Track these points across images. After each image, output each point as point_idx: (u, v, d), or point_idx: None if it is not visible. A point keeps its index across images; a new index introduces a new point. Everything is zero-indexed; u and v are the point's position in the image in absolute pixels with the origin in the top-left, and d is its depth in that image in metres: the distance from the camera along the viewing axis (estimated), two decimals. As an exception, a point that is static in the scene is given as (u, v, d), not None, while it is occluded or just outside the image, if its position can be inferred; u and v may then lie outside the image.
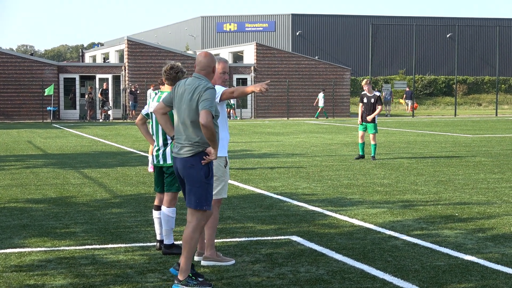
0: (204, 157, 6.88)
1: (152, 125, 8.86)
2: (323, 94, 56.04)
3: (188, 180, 7.01)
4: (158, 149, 8.79)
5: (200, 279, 7.15)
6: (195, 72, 7.10)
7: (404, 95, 66.67)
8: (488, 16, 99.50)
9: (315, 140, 29.55)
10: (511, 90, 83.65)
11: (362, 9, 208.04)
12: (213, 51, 71.72)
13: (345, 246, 9.23)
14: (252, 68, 53.68)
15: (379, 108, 22.11)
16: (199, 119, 6.58)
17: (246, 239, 9.52)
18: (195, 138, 6.84)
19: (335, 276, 7.66)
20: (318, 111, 55.10)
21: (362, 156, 21.43)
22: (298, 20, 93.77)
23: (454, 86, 74.58)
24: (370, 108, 21.78)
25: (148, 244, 9.37)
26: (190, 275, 7.02)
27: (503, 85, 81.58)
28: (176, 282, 6.94)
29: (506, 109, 69.23)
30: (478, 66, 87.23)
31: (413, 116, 59.71)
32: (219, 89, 7.99)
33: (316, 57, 61.86)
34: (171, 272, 7.31)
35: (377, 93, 22.30)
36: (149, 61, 47.81)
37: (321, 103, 55.13)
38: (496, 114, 60.94)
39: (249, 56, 58.01)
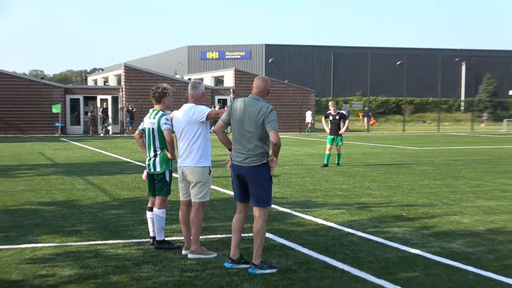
0: (269, 166, 7.44)
1: (146, 138, 8.96)
2: (311, 112, 57.18)
3: (255, 184, 7.39)
4: (150, 159, 8.90)
5: (271, 263, 7.70)
6: (253, 93, 7.45)
7: (363, 113, 67.60)
8: (432, 47, 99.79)
9: (285, 152, 29.57)
10: (450, 110, 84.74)
11: (326, 39, 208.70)
12: (197, 76, 72.19)
13: (310, 242, 9.39)
14: (231, 90, 54.24)
15: (347, 122, 23.05)
16: (271, 139, 7.14)
17: (226, 235, 9.56)
18: (260, 150, 7.29)
19: (301, 267, 7.86)
20: (309, 126, 56.07)
21: (326, 165, 21.58)
22: (270, 49, 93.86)
23: (402, 106, 75.38)
24: (335, 124, 22.24)
25: (143, 240, 9.50)
26: (262, 260, 7.44)
27: (444, 105, 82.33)
28: (252, 267, 7.38)
29: (446, 125, 70.33)
30: (423, 89, 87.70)
31: (368, 131, 60.25)
32: (205, 109, 8.27)
33: (286, 81, 62.05)
34: (226, 266, 7.66)
35: (340, 111, 22.67)
36: (143, 84, 48.29)
37: (308, 120, 56.00)
38: (438, 130, 61.58)
39: (229, 80, 58.51)
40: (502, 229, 10.53)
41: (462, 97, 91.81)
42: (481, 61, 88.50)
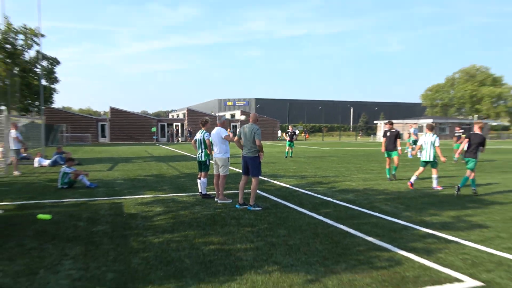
0: (259, 155, 8.10)
1: (197, 144, 9.41)
2: (280, 131, 58.32)
3: (252, 165, 8.13)
4: (199, 154, 9.43)
5: (258, 205, 8.28)
6: (250, 122, 8.30)
7: (303, 132, 69.60)
8: (337, 99, 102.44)
9: (266, 150, 29.77)
10: (345, 130, 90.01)
11: (288, 95, 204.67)
12: (222, 113, 74.42)
13: (277, 194, 9.93)
14: (239, 121, 54.81)
15: (296, 136, 23.93)
16: (257, 143, 8.00)
17: (236, 191, 9.81)
18: (254, 148, 8.10)
19: (273, 207, 8.52)
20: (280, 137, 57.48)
21: (286, 157, 22.14)
22: (259, 100, 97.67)
23: (322, 127, 77.26)
24: (291, 136, 22.78)
25: (196, 193, 9.96)
26: (254, 203, 8.18)
27: (342, 128, 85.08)
28: (249, 206, 8.10)
29: (344, 137, 71.15)
30: (332, 119, 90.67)
31: (305, 140, 60.06)
32: (224, 132, 8.90)
33: (265, 116, 62.33)
34: (237, 207, 8.26)
35: (294, 130, 23.31)
36: (195, 117, 50.36)
37: (279, 135, 57.29)
38: (339, 139, 61.42)
39: (238, 116, 59.57)
40: (371, 187, 11.05)
41: (351, 123, 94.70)
42: (360, 106, 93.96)
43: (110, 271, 4.74)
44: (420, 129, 43.23)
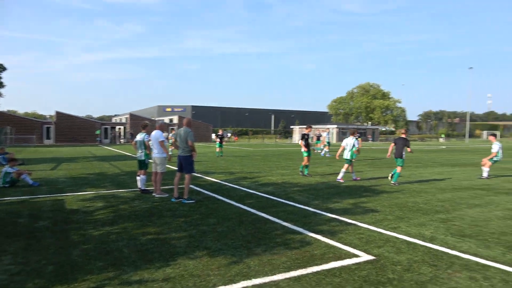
0: (192, 154, 7.85)
1: (137, 144, 9.06)
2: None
3: (185, 163, 7.88)
4: (139, 154, 9.10)
5: (192, 198, 8.05)
6: (184, 125, 8.02)
7: (232, 135, 69.36)
8: (263, 107, 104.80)
9: (199, 151, 29.30)
10: (268, 133, 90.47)
11: (217, 102, 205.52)
12: (161, 118, 71.61)
13: (208, 188, 9.79)
14: (177, 125, 53.51)
15: (227, 138, 23.40)
16: (189, 144, 7.76)
17: (172, 186, 9.34)
18: (187, 148, 7.83)
19: (206, 199, 8.37)
20: (229, 137, 55.69)
21: (218, 156, 21.99)
22: (195, 108, 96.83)
23: (249, 131, 78.68)
24: (221, 138, 22.78)
25: (135, 189, 9.52)
26: (188, 197, 7.92)
27: (264, 131, 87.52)
28: (183, 199, 7.84)
29: (266, 140, 72.24)
30: (256, 125, 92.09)
31: (234, 142, 60.17)
32: (162, 136, 8.56)
33: (200, 121, 61.30)
34: (172, 200, 7.96)
35: (224, 133, 23.17)
36: (138, 121, 48.00)
37: (224, 136, 55.62)
38: (263, 141, 62.38)
39: (175, 121, 57.96)
40: (287, 181, 11.23)
41: (272, 128, 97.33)
42: (280, 113, 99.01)
43: (50, 264, 4.33)
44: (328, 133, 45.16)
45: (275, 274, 4.06)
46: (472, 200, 8.56)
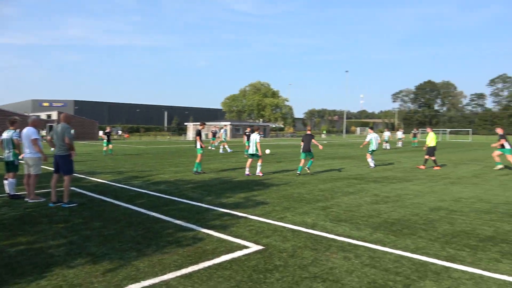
0: (70, 153, 7.26)
1: (4, 143, 8.01)
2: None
3: (62, 163, 7.21)
4: (7, 154, 8.04)
5: (73, 201, 7.36)
6: (62, 121, 7.32)
7: (124, 132, 65.20)
8: (159, 103, 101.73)
9: (80, 150, 26.62)
10: (161, 130, 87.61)
11: (104, 97, 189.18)
12: (36, 114, 62.69)
13: (93, 190, 9.08)
14: (56, 122, 47.85)
15: (112, 135, 21.61)
16: (66, 141, 7.12)
17: (49, 190, 8.67)
18: (64, 146, 7.18)
19: (89, 202, 7.75)
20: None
21: (104, 155, 20.41)
22: (78, 103, 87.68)
23: (140, 128, 74.63)
24: (108, 135, 21.40)
25: (3, 195, 8.34)
26: (69, 200, 7.25)
27: (157, 129, 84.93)
28: (63, 203, 7.13)
29: (159, 137, 69.87)
30: (148, 122, 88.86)
31: (124, 139, 56.70)
32: (35, 134, 7.60)
33: (84, 117, 56.23)
34: (50, 205, 7.21)
35: (117, 130, 21.64)
36: (6, 117, 40.85)
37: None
38: (155, 139, 59.95)
39: (54, 117, 51.78)
40: (180, 178, 11.03)
41: (165, 125, 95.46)
42: (173, 110, 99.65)
43: None
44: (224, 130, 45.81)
45: (165, 274, 3.97)
46: (347, 188, 9.62)
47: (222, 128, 27.28)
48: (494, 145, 14.73)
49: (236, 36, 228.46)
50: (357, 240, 5.20)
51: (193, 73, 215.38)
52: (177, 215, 6.53)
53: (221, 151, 24.09)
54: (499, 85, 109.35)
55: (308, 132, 12.57)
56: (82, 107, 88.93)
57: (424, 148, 15.03)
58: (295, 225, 5.96)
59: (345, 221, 6.25)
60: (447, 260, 4.43)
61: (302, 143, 12.39)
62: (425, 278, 3.92)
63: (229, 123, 59.95)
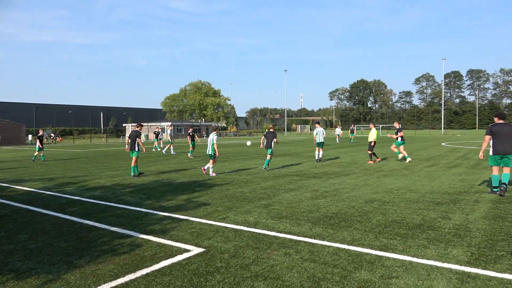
0: None
1: None
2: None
3: None
4: None
5: None
6: None
7: (56, 135, 60.51)
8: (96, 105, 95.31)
9: (13, 155, 24.29)
10: (97, 132, 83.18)
11: (31, 98, 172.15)
12: None
13: (19, 199, 8.35)
14: None
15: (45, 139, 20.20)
16: None
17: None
18: None
19: (14, 213, 7.15)
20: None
21: (33, 160, 18.90)
22: (1, 104, 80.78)
23: (73, 131, 71.19)
24: (41, 140, 19.46)
25: None
26: None
27: (96, 130, 79.80)
28: None
29: (102, 137, 66.61)
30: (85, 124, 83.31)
31: (55, 143, 53.10)
32: None
33: (7, 120, 51.68)
34: None
35: (49, 133, 20.14)
36: None
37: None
38: (91, 141, 56.82)
39: None
40: (118, 183, 10.60)
41: (102, 126, 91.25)
42: (110, 110, 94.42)
43: None
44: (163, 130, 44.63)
45: (99, 285, 3.73)
46: (288, 185, 9.82)
47: (165, 128, 26.48)
48: (394, 136, 15.85)
49: (173, 34, 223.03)
50: (298, 235, 5.31)
51: (131, 73, 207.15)
52: (113, 221, 6.20)
53: (164, 151, 23.44)
54: (423, 83, 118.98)
55: (271, 130, 13.54)
56: (4, 108, 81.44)
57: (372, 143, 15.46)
58: (237, 224, 5.94)
59: (286, 217, 6.35)
60: (380, 250, 4.68)
61: (262, 139, 13.44)
62: (360, 268, 4.10)
63: (169, 123, 58.56)
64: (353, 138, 36.93)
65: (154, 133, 29.26)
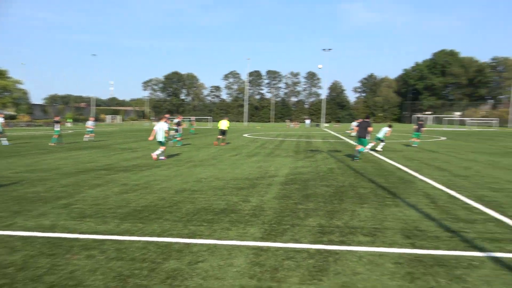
0: None
1: None
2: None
3: None
4: None
5: None
6: None
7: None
8: None
9: None
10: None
11: None
12: None
13: None
14: None
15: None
16: None
17: None
18: None
19: None
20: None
21: None
22: None
23: None
24: None
25: None
26: None
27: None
28: None
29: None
30: None
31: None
32: None
33: None
34: None
35: None
36: None
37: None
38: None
39: None
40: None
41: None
42: None
43: None
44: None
45: None
46: (95, 180, 9.06)
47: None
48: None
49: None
50: (103, 234, 4.96)
51: None
52: None
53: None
54: (231, 80, 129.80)
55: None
56: None
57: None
58: (27, 231, 5.10)
59: (90, 216, 5.84)
60: (188, 237, 4.86)
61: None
62: (169, 258, 4.16)
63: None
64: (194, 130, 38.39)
65: None
